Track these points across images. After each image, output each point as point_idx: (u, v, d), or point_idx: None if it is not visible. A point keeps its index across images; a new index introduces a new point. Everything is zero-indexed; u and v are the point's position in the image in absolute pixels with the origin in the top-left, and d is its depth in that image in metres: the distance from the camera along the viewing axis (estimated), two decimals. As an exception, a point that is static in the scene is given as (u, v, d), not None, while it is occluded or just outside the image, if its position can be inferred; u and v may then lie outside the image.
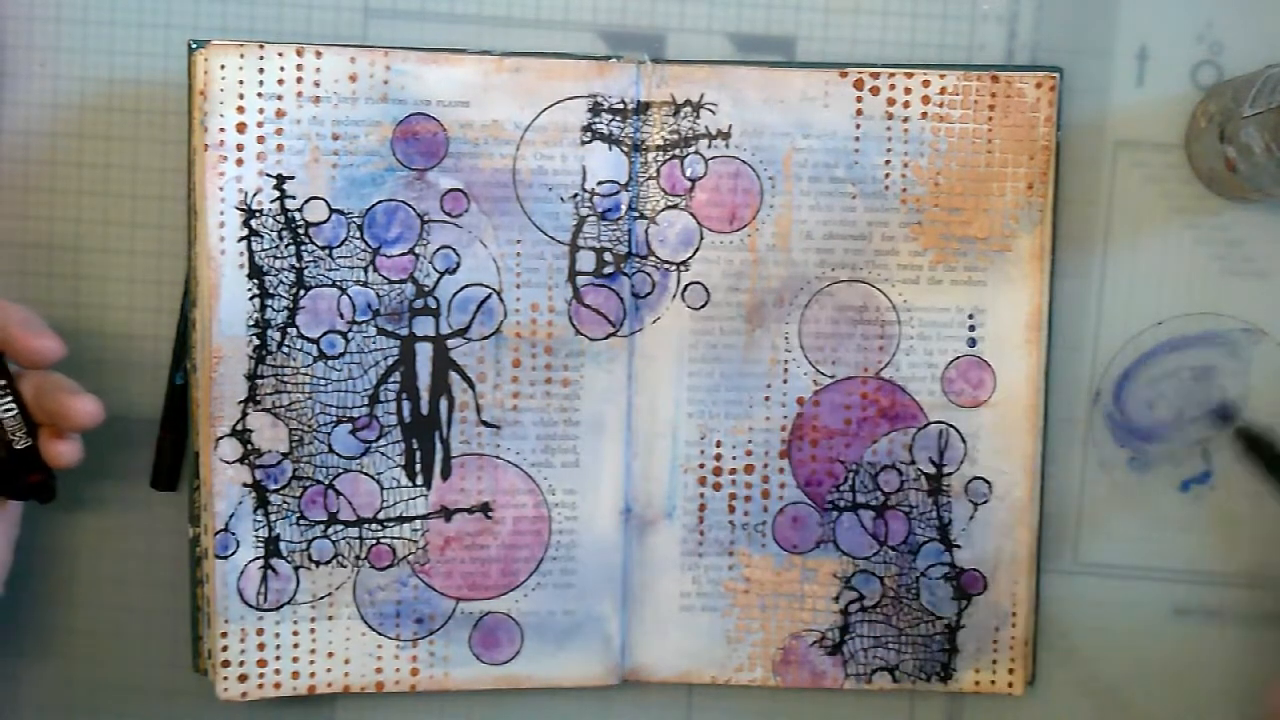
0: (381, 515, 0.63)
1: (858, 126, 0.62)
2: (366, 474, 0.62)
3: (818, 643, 0.64)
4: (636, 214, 0.62)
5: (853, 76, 0.62)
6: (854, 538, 0.64)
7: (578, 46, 0.64)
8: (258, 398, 0.61)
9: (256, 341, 0.61)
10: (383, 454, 0.62)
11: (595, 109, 0.62)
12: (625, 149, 0.62)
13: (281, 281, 0.61)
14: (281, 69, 0.60)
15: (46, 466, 0.57)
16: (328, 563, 0.62)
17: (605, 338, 0.63)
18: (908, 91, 0.62)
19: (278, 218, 0.61)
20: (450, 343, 0.62)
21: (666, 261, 0.63)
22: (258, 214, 0.61)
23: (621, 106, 0.62)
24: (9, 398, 0.56)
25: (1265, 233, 0.64)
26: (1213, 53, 0.64)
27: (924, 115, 0.62)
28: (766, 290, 0.63)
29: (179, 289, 0.64)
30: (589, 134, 0.62)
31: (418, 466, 0.63)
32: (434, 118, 0.61)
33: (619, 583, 0.64)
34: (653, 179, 0.62)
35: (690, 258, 0.63)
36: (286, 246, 0.61)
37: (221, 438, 0.61)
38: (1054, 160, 0.62)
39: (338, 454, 0.62)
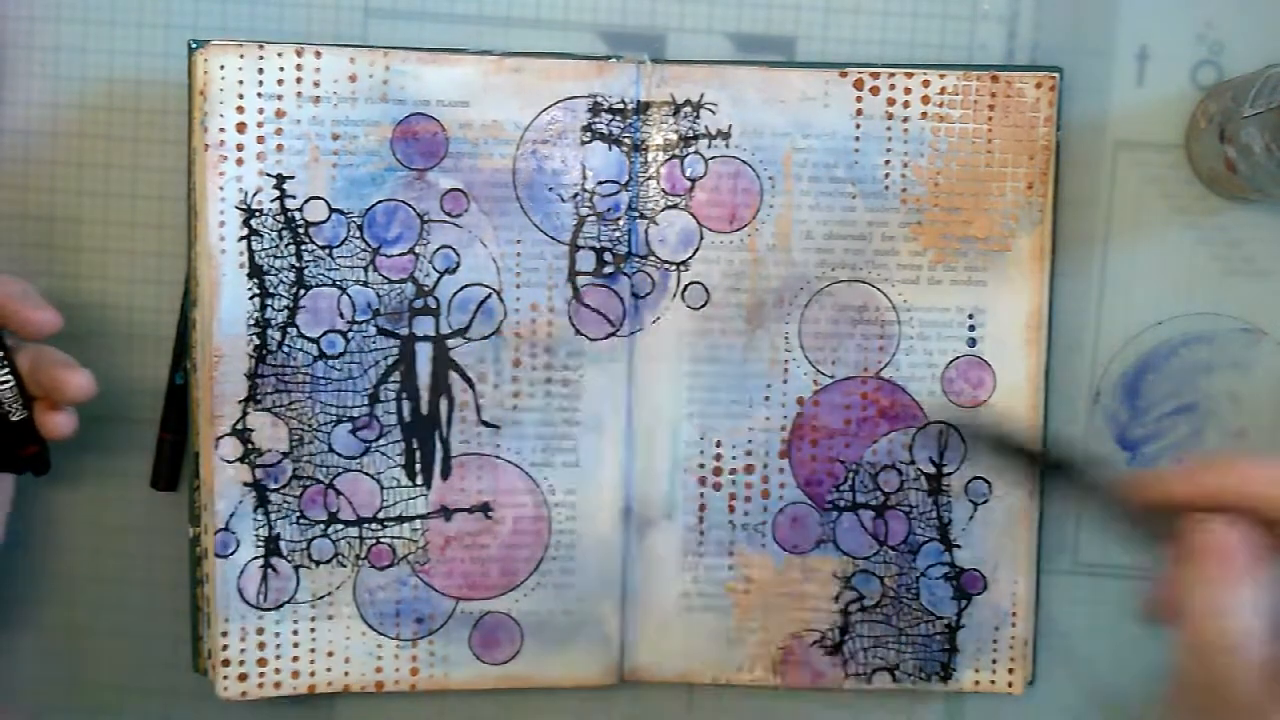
0: (381, 515, 0.63)
1: (858, 126, 0.62)
2: (366, 473, 0.62)
3: (818, 643, 0.64)
4: (636, 214, 0.62)
5: (853, 76, 0.62)
6: (854, 538, 0.64)
7: (578, 46, 0.64)
8: (258, 397, 0.61)
9: (257, 341, 0.61)
10: (383, 454, 0.62)
11: (595, 109, 0.62)
12: (625, 149, 0.62)
13: (281, 281, 0.61)
14: (281, 69, 0.60)
15: (42, 439, 0.58)
16: (328, 562, 0.63)
17: (605, 338, 0.63)
18: (908, 91, 0.62)
19: (278, 217, 0.61)
20: (450, 342, 0.62)
21: (666, 261, 0.63)
22: (258, 213, 0.61)
23: (621, 106, 0.62)
24: (6, 370, 0.57)
25: (1265, 233, 0.64)
26: (1213, 53, 0.64)
27: (924, 115, 0.62)
28: (766, 290, 0.63)
29: (179, 289, 0.64)
30: (589, 134, 0.62)
31: (418, 466, 0.63)
32: (434, 118, 0.61)
33: (619, 583, 0.64)
34: (653, 179, 0.62)
35: (690, 258, 0.63)
36: (286, 246, 0.61)
37: (222, 437, 0.61)
38: (1054, 160, 0.62)
39: (338, 453, 0.62)
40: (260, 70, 0.60)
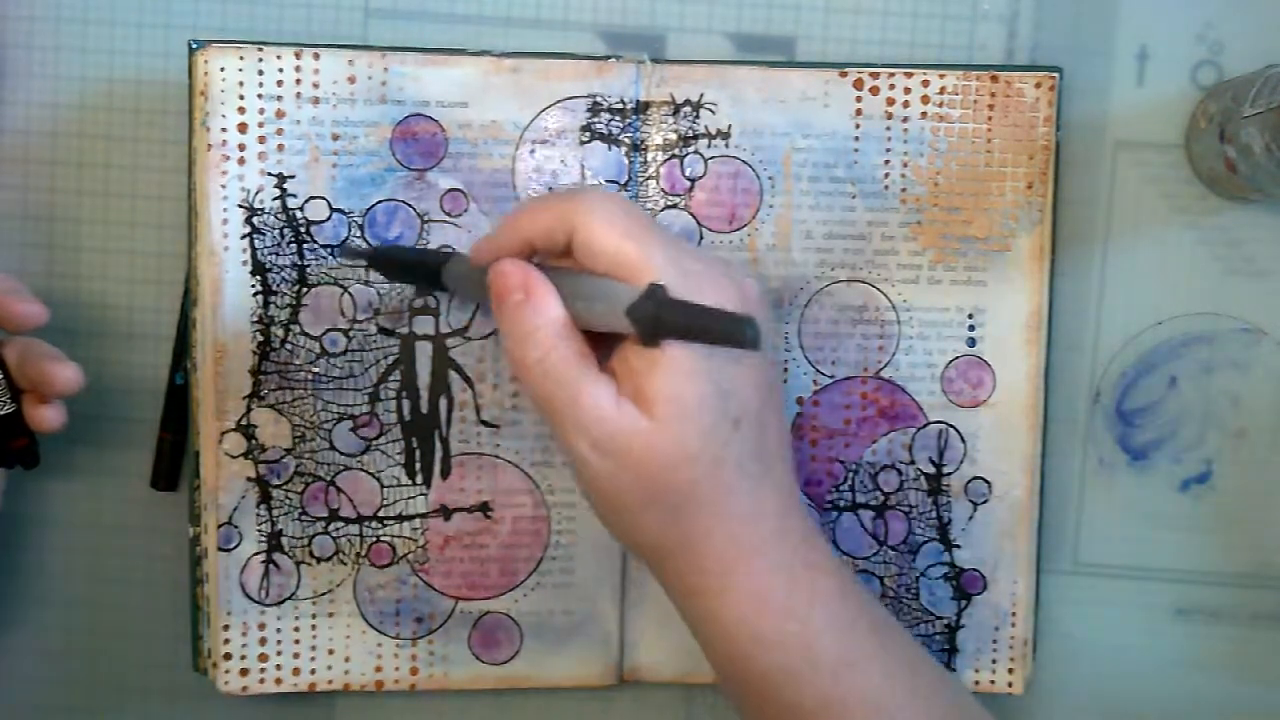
0: (382, 513, 0.63)
1: (857, 126, 0.62)
2: (367, 472, 0.62)
3: (818, 643, 0.64)
4: (636, 214, 0.62)
5: (853, 76, 0.62)
6: (854, 538, 0.64)
7: (577, 46, 0.64)
8: (261, 393, 0.61)
9: (260, 338, 0.61)
10: (383, 452, 0.62)
11: (595, 109, 0.62)
12: (625, 149, 0.62)
13: (284, 279, 0.61)
14: (280, 70, 0.60)
15: (30, 432, 0.58)
16: (329, 559, 0.62)
17: (605, 337, 0.63)
18: (907, 91, 0.62)
19: (279, 216, 0.61)
20: (450, 342, 0.62)
21: (666, 261, 0.63)
22: (259, 212, 0.61)
23: (621, 106, 0.62)
24: None
25: (1265, 233, 0.64)
26: (1213, 53, 0.64)
27: (924, 115, 0.62)
28: (766, 290, 0.63)
29: (179, 289, 0.64)
30: (588, 134, 0.62)
31: (417, 465, 0.63)
32: (433, 118, 0.61)
33: (618, 583, 0.64)
34: (652, 179, 0.62)
35: (690, 257, 0.63)
36: (288, 244, 0.61)
37: (226, 432, 0.61)
38: (1054, 160, 0.63)
39: (339, 451, 0.62)
40: (260, 71, 0.60)
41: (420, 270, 0.59)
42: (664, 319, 0.49)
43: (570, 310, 0.51)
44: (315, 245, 0.61)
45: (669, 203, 0.62)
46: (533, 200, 0.53)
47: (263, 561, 0.62)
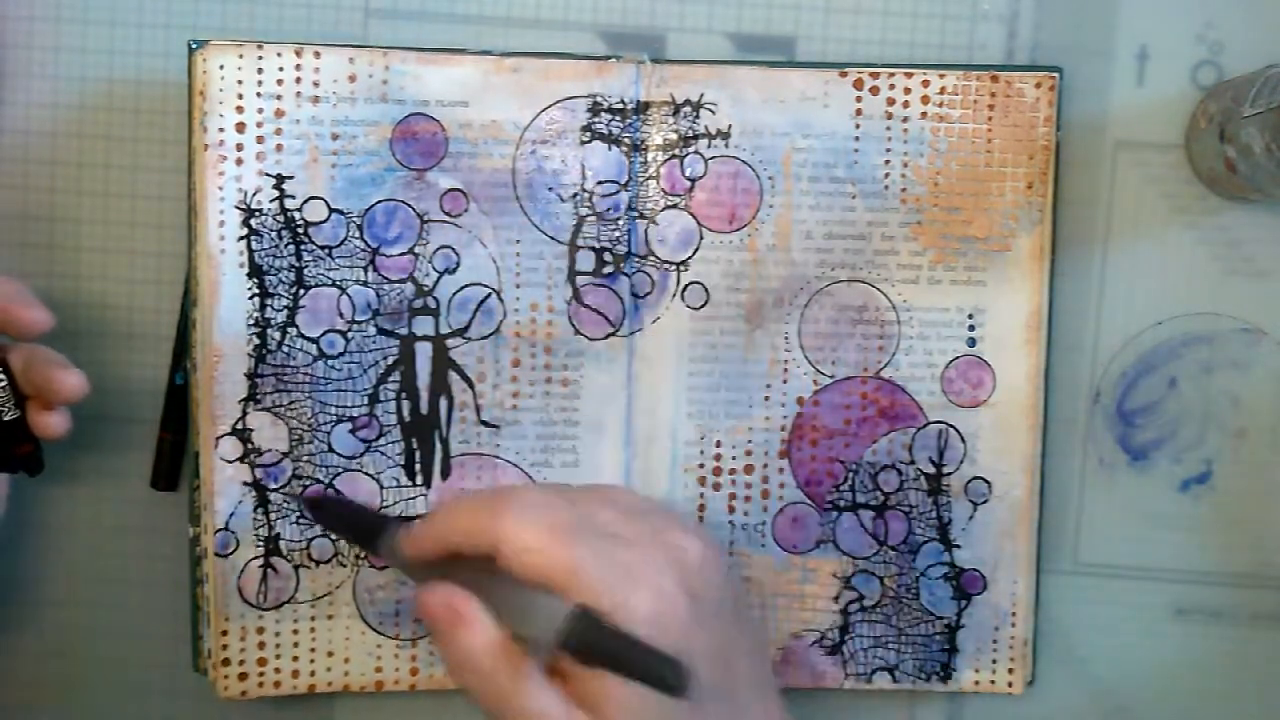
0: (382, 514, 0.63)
1: (857, 126, 0.62)
2: (366, 473, 0.62)
3: (817, 643, 0.64)
4: (636, 214, 0.62)
5: (853, 76, 0.62)
6: (854, 538, 0.64)
7: (578, 46, 0.64)
8: (258, 396, 0.61)
9: (257, 340, 0.61)
10: (382, 453, 0.62)
11: (595, 109, 0.62)
12: (625, 149, 0.62)
13: (281, 281, 0.61)
14: (280, 69, 0.60)
15: (35, 438, 0.58)
16: (327, 562, 0.63)
17: (605, 338, 0.63)
18: (907, 91, 0.62)
19: (277, 217, 0.61)
20: (450, 342, 0.62)
21: (666, 261, 0.63)
22: (257, 213, 0.61)
23: (621, 106, 0.62)
24: None
25: (1265, 233, 0.64)
26: (1213, 53, 0.64)
27: (924, 115, 0.62)
28: (766, 290, 0.63)
29: (179, 289, 0.64)
30: (588, 134, 0.62)
31: (417, 466, 0.63)
32: (433, 118, 0.61)
33: (619, 582, 0.64)
34: (652, 179, 0.62)
35: (690, 258, 0.63)
36: (286, 246, 0.61)
37: (222, 436, 0.61)
38: (1054, 160, 0.62)
39: (338, 453, 0.62)
40: (260, 70, 0.60)
41: (358, 530, 0.57)
42: (591, 652, 0.49)
43: (504, 624, 0.50)
44: (313, 246, 0.61)
45: (669, 203, 0.62)
46: (455, 503, 0.52)
47: (260, 566, 0.62)
